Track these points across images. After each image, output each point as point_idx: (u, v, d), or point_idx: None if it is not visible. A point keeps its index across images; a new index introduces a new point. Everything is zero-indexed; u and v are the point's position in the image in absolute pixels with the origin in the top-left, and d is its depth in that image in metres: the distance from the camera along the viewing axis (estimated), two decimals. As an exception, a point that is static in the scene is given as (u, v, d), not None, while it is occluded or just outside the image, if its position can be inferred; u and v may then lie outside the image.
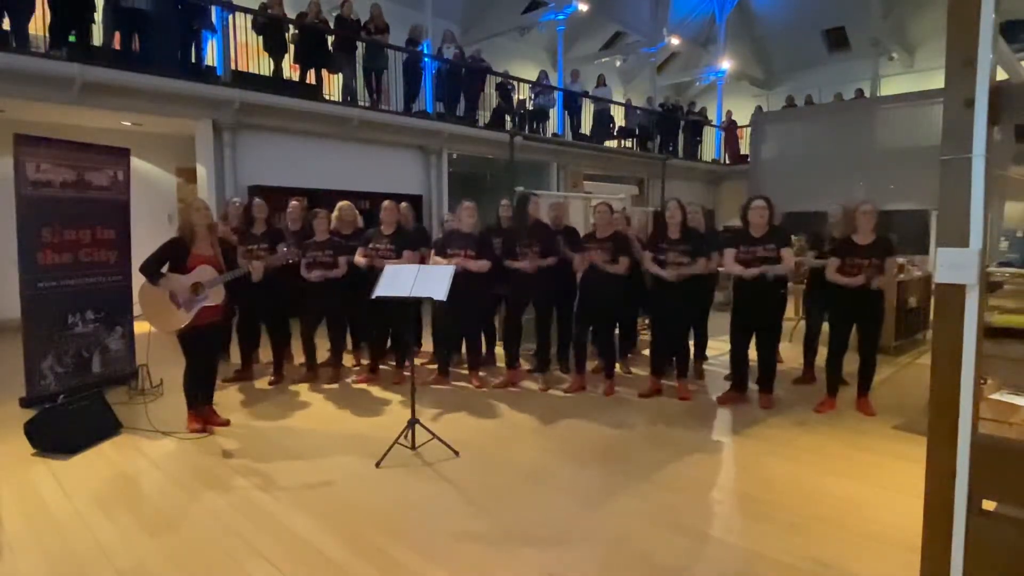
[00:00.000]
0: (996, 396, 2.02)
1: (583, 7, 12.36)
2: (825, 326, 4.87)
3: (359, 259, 5.07)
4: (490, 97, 11.51)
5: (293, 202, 5.77)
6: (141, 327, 4.42)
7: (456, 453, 3.68)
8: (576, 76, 13.03)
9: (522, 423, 4.37)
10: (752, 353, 4.70)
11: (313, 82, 8.75)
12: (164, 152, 9.24)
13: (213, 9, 7.74)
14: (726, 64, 16.08)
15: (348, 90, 9.04)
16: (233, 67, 8.10)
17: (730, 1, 16.05)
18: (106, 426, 4.06)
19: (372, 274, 4.44)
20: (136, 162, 6.85)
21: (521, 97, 12.09)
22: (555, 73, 13.10)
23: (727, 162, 16.35)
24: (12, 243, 4.47)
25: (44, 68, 6.38)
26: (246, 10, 8.04)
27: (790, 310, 4.97)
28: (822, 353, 4.86)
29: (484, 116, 11.50)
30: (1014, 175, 2.21)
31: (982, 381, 1.91)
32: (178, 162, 9.36)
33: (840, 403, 4.67)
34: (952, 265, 1.54)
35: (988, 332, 1.82)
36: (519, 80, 11.78)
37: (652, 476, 3.43)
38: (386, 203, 5.31)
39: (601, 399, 4.92)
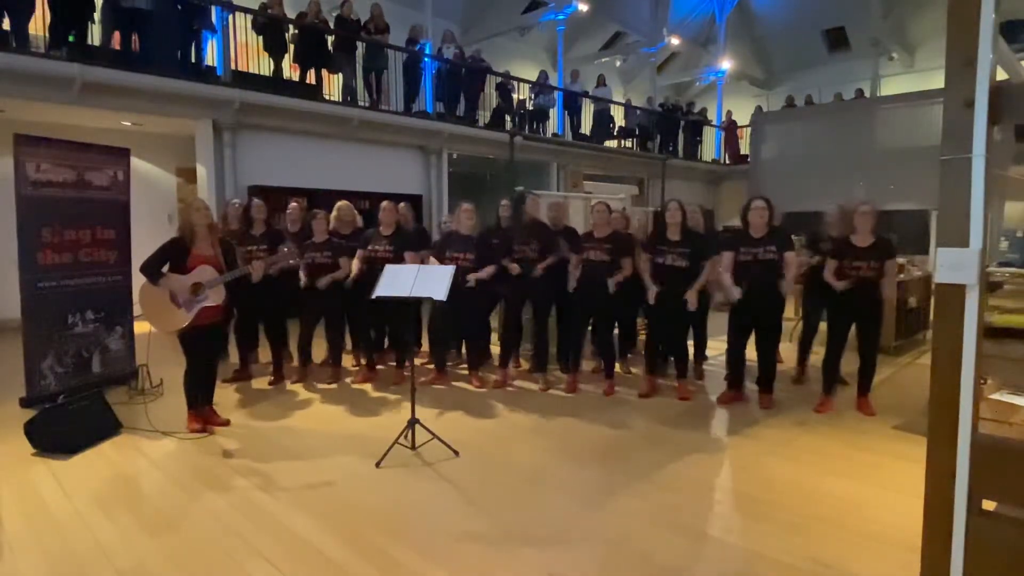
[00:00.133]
0: (996, 396, 2.02)
1: (583, 7, 12.36)
2: (823, 326, 4.87)
3: (356, 266, 5.08)
4: (490, 97, 11.52)
5: (292, 203, 5.78)
6: (141, 327, 4.42)
7: (456, 453, 3.68)
8: (576, 76, 13.03)
9: (522, 423, 4.37)
10: (752, 353, 4.70)
11: (313, 82, 8.76)
12: (164, 152, 9.24)
13: (213, 9, 7.74)
14: (726, 64, 16.08)
15: (348, 90, 9.04)
16: (233, 67, 8.11)
17: (730, 1, 16.05)
18: (106, 426, 4.06)
19: (371, 274, 4.44)
20: (136, 162, 6.85)
21: (521, 97, 12.10)
22: (555, 73, 13.11)
23: (727, 162, 16.35)
24: (12, 243, 4.47)
25: (44, 68, 6.38)
26: (246, 10, 8.04)
27: (789, 310, 4.97)
28: (819, 353, 4.86)
29: (484, 116, 11.51)
30: (1014, 175, 2.21)
31: (982, 381, 1.91)
32: (178, 162, 9.36)
33: (840, 403, 4.67)
34: (952, 265, 1.54)
35: (988, 332, 1.82)
36: (519, 80, 11.79)
37: (652, 476, 3.43)
38: (384, 204, 5.31)
39: (601, 399, 4.92)
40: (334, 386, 5.24)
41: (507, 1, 13.67)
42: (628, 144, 14.24)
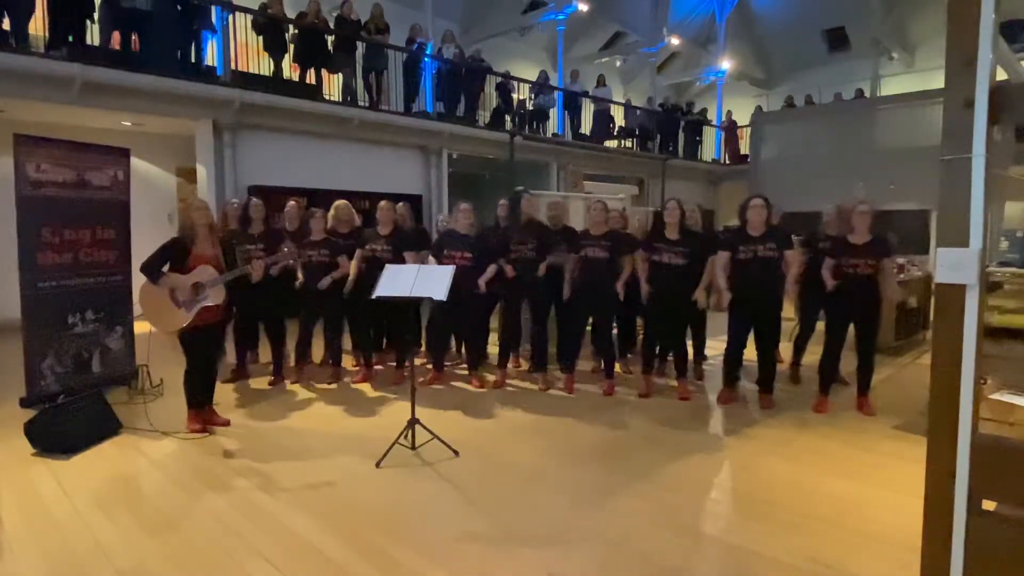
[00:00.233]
0: (996, 396, 2.02)
1: (583, 7, 12.36)
2: (821, 325, 4.87)
3: (355, 266, 5.08)
4: (490, 97, 11.51)
5: (291, 203, 5.78)
6: (141, 327, 4.43)
7: (456, 453, 3.68)
8: (576, 76, 13.03)
9: (522, 423, 4.37)
10: (752, 353, 4.70)
11: (313, 82, 8.75)
12: (164, 152, 9.24)
13: (213, 9, 7.73)
14: (726, 64, 16.07)
15: (348, 90, 9.04)
16: (233, 67, 8.10)
17: (730, 1, 16.05)
18: (106, 426, 4.06)
19: (370, 274, 4.44)
20: (136, 162, 6.84)
21: (521, 97, 12.09)
22: (555, 73, 13.10)
23: (727, 162, 16.35)
24: (12, 243, 4.46)
25: (44, 68, 6.37)
26: (246, 10, 8.04)
27: (788, 310, 4.97)
28: (816, 352, 4.85)
29: (484, 116, 11.50)
30: (1014, 175, 2.21)
31: (982, 381, 1.91)
32: (178, 162, 9.36)
33: (840, 403, 4.67)
34: (952, 265, 1.54)
35: (988, 332, 1.82)
36: (519, 80, 11.79)
37: (652, 476, 3.43)
38: (382, 203, 5.31)
39: (601, 399, 4.92)
40: (334, 386, 5.24)
41: (507, 1, 13.67)
42: (628, 144, 14.23)
